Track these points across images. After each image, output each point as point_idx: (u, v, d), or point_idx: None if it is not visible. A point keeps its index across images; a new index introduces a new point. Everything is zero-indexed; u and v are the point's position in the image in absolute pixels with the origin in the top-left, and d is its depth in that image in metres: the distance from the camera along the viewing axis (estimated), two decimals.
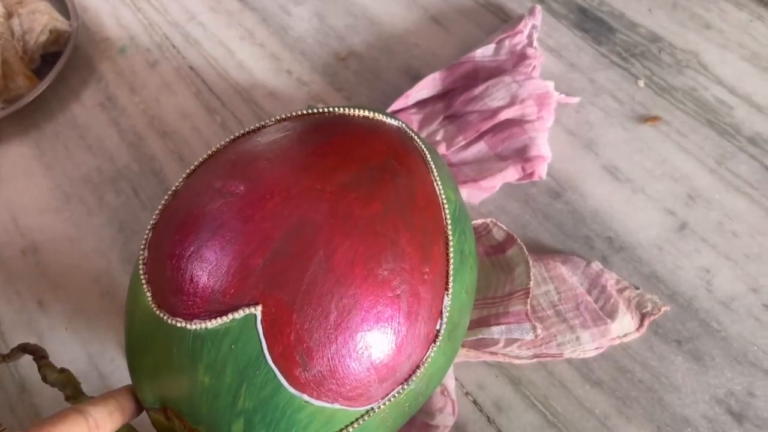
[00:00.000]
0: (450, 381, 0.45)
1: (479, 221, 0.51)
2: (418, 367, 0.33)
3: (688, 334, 0.48)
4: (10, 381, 0.51)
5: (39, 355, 0.38)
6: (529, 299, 0.43)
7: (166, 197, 0.37)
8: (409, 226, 0.33)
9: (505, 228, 0.50)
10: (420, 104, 0.57)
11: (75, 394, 0.37)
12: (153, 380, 0.32)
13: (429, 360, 0.33)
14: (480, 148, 0.54)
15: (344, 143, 0.35)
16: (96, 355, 0.52)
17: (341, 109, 0.38)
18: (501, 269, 0.48)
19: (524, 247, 0.48)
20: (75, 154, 0.62)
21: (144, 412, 0.35)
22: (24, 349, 0.38)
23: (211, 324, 0.30)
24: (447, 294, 0.33)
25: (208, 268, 0.31)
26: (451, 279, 0.34)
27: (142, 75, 0.67)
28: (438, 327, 0.33)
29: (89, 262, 0.56)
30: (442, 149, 0.53)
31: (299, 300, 0.30)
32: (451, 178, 0.39)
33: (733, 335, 0.47)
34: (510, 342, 0.44)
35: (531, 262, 0.46)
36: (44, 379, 0.38)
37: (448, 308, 0.33)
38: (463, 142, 0.53)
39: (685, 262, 0.50)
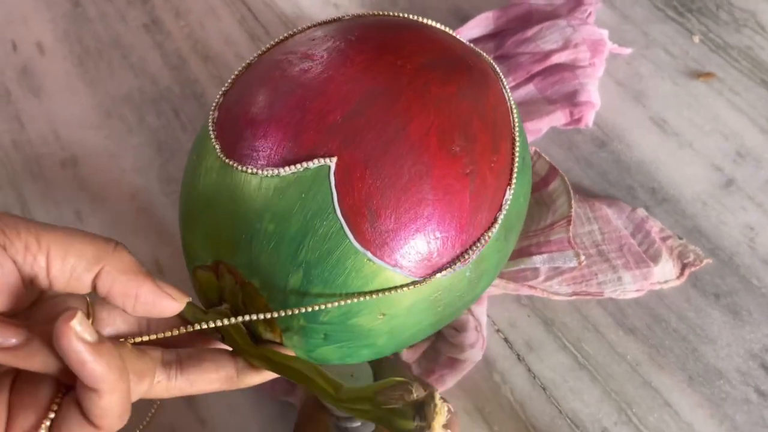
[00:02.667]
0: (482, 317, 0.45)
1: None
2: (473, 251, 0.32)
3: (726, 289, 0.47)
4: None
5: None
6: (571, 227, 0.42)
7: (239, 68, 0.37)
8: (481, 115, 0.33)
9: (548, 159, 0.49)
10: (470, 42, 0.56)
11: None
12: (211, 234, 0.32)
13: (485, 249, 0.33)
14: (529, 90, 0.53)
15: (421, 36, 0.36)
16: None
17: (414, 16, 0.38)
18: (543, 204, 0.47)
19: (566, 179, 0.47)
20: (117, 73, 0.62)
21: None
22: None
23: (284, 171, 0.30)
24: (510, 188, 0.33)
25: (284, 121, 0.31)
26: (514, 176, 0.34)
27: None
28: (498, 218, 0.33)
29: (127, 179, 0.56)
30: None
31: (374, 158, 0.30)
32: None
33: None
34: (550, 276, 0.43)
35: (575, 198, 0.46)
36: None
37: (509, 203, 0.33)
38: (513, 83, 0.52)
39: (730, 218, 0.50)
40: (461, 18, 0.61)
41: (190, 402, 0.46)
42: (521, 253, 0.43)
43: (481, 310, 0.45)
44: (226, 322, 0.30)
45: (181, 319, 0.31)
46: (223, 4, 0.65)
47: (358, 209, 0.29)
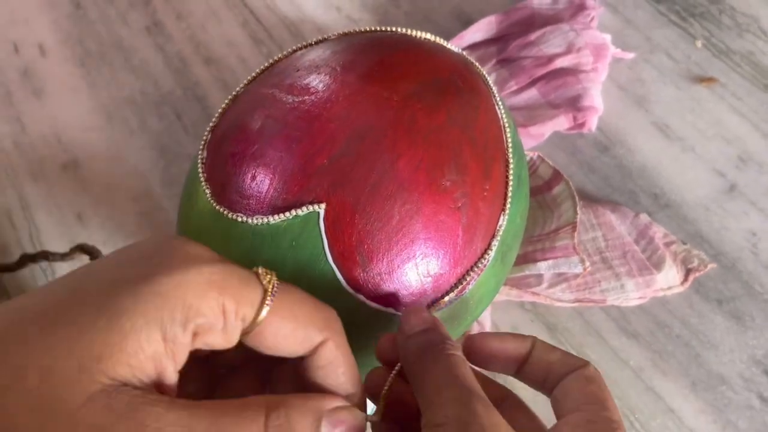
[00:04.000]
0: (487, 321, 0.45)
1: (526, 158, 0.50)
2: (469, 282, 0.32)
3: (729, 294, 0.47)
4: None
5: (95, 256, 0.38)
6: (576, 233, 0.42)
7: (226, 101, 0.36)
8: (471, 141, 0.32)
9: (551, 163, 0.49)
10: (473, 47, 0.56)
11: None
12: None
13: (482, 276, 0.33)
14: (531, 94, 0.53)
15: (409, 57, 0.34)
16: None
17: (403, 30, 0.37)
18: (547, 207, 0.47)
19: (571, 183, 0.47)
20: (119, 75, 0.62)
21: None
22: (81, 248, 0.38)
23: (273, 219, 0.30)
24: (504, 214, 0.33)
25: (271, 166, 0.31)
26: (509, 200, 0.33)
27: (189, 2, 0.66)
28: (493, 245, 0.33)
29: (129, 182, 0.56)
30: None
31: (363, 201, 0.30)
32: (507, 108, 0.39)
33: None
34: (554, 283, 0.43)
35: (579, 203, 0.46)
36: None
37: (504, 228, 0.33)
38: (515, 87, 0.52)
39: (732, 223, 0.50)
40: (464, 21, 0.61)
41: None
42: (525, 258, 0.43)
43: (485, 315, 0.45)
44: None
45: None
46: (225, 7, 0.65)
47: (349, 254, 0.29)
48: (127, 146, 0.58)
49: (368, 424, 0.26)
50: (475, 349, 0.28)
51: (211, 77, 0.61)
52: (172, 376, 0.21)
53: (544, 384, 0.28)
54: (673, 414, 0.44)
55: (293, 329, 0.23)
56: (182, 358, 0.21)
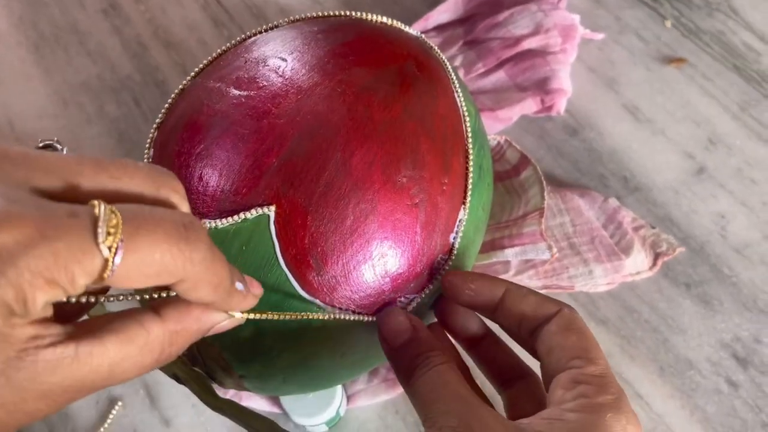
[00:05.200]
0: None
1: (493, 142, 0.49)
2: (431, 280, 0.31)
3: (698, 278, 0.47)
4: None
5: None
6: (543, 219, 0.41)
7: (172, 96, 0.35)
8: (429, 134, 0.31)
9: (519, 147, 0.48)
10: (440, 28, 0.55)
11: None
12: None
13: (442, 274, 0.32)
14: (499, 76, 0.52)
15: (363, 45, 0.33)
16: None
17: (358, 14, 0.36)
18: (515, 192, 0.46)
19: (538, 168, 0.47)
20: (75, 60, 0.60)
21: None
22: None
23: (221, 224, 0.28)
24: (464, 207, 0.32)
25: (218, 166, 0.29)
26: (469, 193, 0.32)
27: None
28: (452, 240, 0.32)
29: None
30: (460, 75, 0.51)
31: (315, 202, 0.28)
32: (470, 95, 0.37)
33: (744, 281, 0.46)
34: (522, 270, 0.43)
35: (547, 188, 0.45)
36: None
37: (465, 222, 0.32)
38: (483, 69, 0.51)
39: (701, 206, 0.49)
40: (430, 2, 0.60)
41: (153, 402, 0.45)
42: (493, 245, 0.42)
43: None
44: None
45: None
46: None
47: (302, 258, 0.28)
48: (84, 134, 0.56)
49: None
50: (454, 291, 0.29)
51: (171, 61, 0.59)
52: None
53: (519, 331, 0.28)
54: (642, 400, 0.43)
55: (146, 277, 0.20)
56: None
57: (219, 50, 0.36)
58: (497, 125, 0.51)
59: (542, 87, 0.51)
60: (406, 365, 0.27)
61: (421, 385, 0.26)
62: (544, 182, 0.46)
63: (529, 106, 0.51)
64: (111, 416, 0.45)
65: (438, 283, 0.31)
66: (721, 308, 0.46)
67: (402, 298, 0.31)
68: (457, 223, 0.32)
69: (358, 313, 0.30)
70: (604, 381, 0.25)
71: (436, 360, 0.27)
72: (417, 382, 0.27)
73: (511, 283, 0.29)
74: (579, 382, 0.25)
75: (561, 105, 0.51)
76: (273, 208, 0.28)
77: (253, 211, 0.28)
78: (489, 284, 0.29)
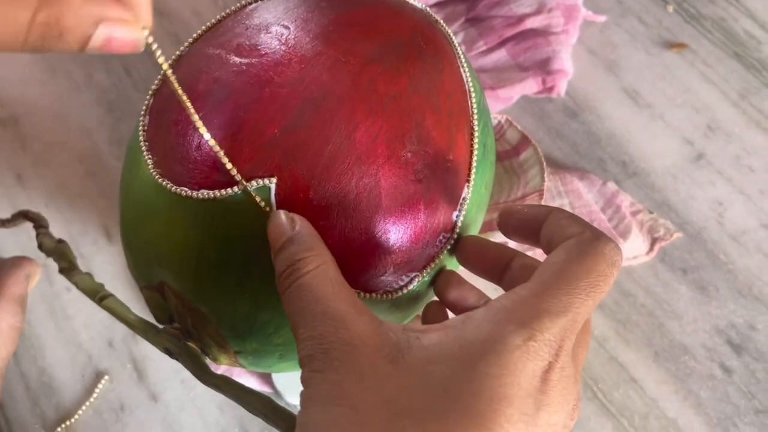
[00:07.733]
0: None
1: (494, 121, 0.48)
2: (434, 258, 0.31)
3: (694, 264, 0.47)
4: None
5: (39, 223, 0.36)
6: (543, 201, 0.41)
7: (169, 61, 0.34)
8: (435, 109, 0.30)
9: (520, 128, 0.48)
10: (441, 4, 0.54)
11: (70, 266, 0.35)
12: (151, 256, 0.30)
13: (445, 252, 0.31)
14: (500, 55, 0.51)
15: (368, 15, 0.32)
16: (77, 235, 0.49)
17: None
18: (514, 173, 0.46)
19: (539, 149, 0.46)
20: None
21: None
22: (25, 215, 0.35)
23: (220, 194, 0.27)
24: (468, 185, 0.31)
25: (219, 134, 0.28)
26: (473, 171, 0.31)
27: None
28: (456, 219, 0.31)
29: (74, 141, 0.53)
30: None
31: (317, 175, 0.27)
32: (474, 70, 0.36)
33: (739, 268, 0.46)
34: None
35: (547, 170, 0.44)
36: (40, 246, 0.35)
37: (468, 200, 0.31)
38: (484, 48, 0.50)
39: (699, 192, 0.49)
40: None
41: (141, 377, 0.44)
42: (490, 226, 0.42)
43: None
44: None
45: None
46: None
47: None
48: (72, 102, 0.54)
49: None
50: (508, 216, 0.29)
51: (163, 31, 0.58)
52: None
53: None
54: (636, 384, 0.43)
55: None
56: None
57: (218, 16, 0.35)
58: (497, 105, 0.50)
59: (544, 67, 0.50)
60: (281, 272, 0.24)
61: (286, 303, 0.24)
62: (545, 163, 0.45)
63: (530, 86, 0.50)
64: (97, 390, 0.44)
65: (439, 261, 0.31)
66: (716, 294, 0.46)
67: (403, 276, 0.30)
68: (461, 201, 0.31)
69: (356, 290, 0.29)
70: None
71: (310, 264, 0.24)
72: (283, 297, 0.24)
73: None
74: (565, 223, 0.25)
75: (562, 86, 0.51)
76: (274, 180, 0.27)
77: (254, 182, 0.27)
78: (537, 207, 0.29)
